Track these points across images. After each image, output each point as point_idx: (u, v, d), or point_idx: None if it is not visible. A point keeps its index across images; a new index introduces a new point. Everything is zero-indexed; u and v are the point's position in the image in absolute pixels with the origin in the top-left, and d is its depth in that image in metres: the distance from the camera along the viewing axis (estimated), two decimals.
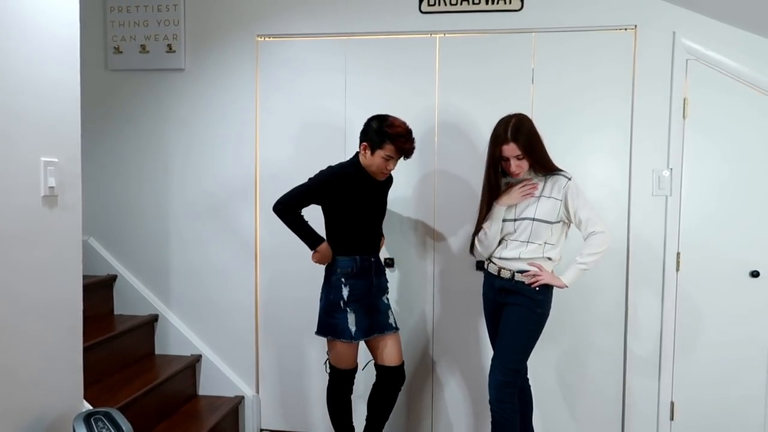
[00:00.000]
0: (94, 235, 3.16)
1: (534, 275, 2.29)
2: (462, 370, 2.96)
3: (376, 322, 2.53)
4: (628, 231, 2.80)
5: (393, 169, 2.48)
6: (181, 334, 3.11)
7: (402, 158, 2.46)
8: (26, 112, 1.67)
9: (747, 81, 2.70)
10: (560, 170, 2.35)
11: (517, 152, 2.26)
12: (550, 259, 2.35)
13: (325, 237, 2.54)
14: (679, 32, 2.71)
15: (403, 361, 2.62)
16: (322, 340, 2.66)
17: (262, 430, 3.14)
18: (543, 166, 2.33)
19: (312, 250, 2.51)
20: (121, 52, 3.09)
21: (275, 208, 2.48)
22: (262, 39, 3.01)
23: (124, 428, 1.76)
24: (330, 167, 2.52)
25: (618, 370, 2.86)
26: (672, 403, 2.83)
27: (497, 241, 2.39)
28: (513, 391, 2.34)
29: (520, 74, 2.83)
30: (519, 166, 2.28)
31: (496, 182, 2.35)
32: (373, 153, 2.42)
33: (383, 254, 2.83)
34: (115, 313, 3.17)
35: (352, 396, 2.65)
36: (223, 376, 3.09)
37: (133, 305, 3.14)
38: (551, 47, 2.81)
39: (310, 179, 2.50)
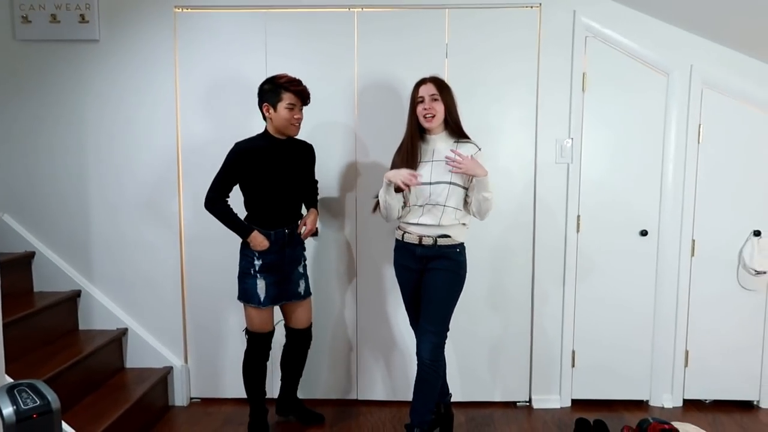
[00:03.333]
0: (9, 211, 3.07)
1: (455, 161, 2.37)
2: (384, 331, 3.14)
3: (286, 290, 2.67)
4: (535, 197, 3.03)
5: (300, 117, 2.58)
6: (105, 309, 3.10)
7: (302, 104, 2.58)
8: None
9: (639, 57, 2.95)
10: (470, 139, 2.52)
11: (433, 91, 2.45)
12: (464, 224, 2.53)
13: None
14: (579, 11, 2.92)
15: (311, 324, 2.82)
16: (242, 309, 2.75)
17: (192, 398, 3.20)
18: (456, 124, 2.50)
19: (244, 239, 2.59)
20: (30, 22, 2.98)
21: (206, 206, 2.57)
22: (180, 10, 2.98)
23: (49, 398, 1.77)
24: (237, 143, 2.59)
25: (526, 323, 3.11)
26: (573, 352, 3.12)
27: (395, 209, 2.50)
28: (443, 349, 2.52)
29: (435, 48, 2.97)
30: (432, 108, 2.43)
31: (415, 127, 2.49)
32: (276, 109, 2.54)
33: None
34: (35, 290, 3.11)
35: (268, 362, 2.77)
36: (150, 348, 3.12)
37: (54, 282, 3.09)
38: (463, 23, 2.95)
39: (222, 164, 2.56)
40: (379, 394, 3.18)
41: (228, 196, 2.60)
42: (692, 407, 3.15)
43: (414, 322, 2.66)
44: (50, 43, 3.00)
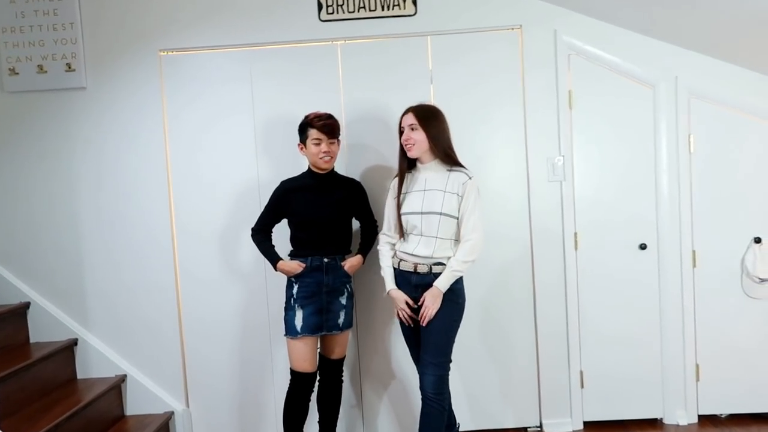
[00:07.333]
0: (2, 262, 3.06)
1: (425, 316, 2.38)
2: (385, 365, 3.08)
3: (326, 321, 2.64)
4: (530, 216, 3.00)
5: (329, 150, 2.59)
6: (103, 356, 3.06)
7: (328, 137, 2.58)
8: None
9: (623, 72, 2.95)
10: (464, 167, 2.47)
11: (412, 121, 2.41)
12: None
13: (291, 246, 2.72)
14: (560, 30, 2.93)
15: (344, 356, 2.77)
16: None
17: None
18: (445, 153, 2.43)
19: (274, 268, 2.67)
20: (18, 74, 3.01)
21: (251, 236, 2.75)
22: (165, 53, 3.01)
23: None
24: (282, 181, 2.71)
25: (531, 344, 3.05)
26: (581, 372, 3.05)
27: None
28: (447, 381, 2.44)
29: (419, 75, 2.98)
30: (410, 137, 2.41)
31: (402, 156, 2.50)
32: (306, 146, 2.62)
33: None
34: (31, 341, 3.08)
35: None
36: (150, 393, 3.06)
37: (50, 331, 3.06)
38: (446, 48, 2.97)
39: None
40: (384, 429, 3.10)
41: (269, 229, 2.74)
42: (708, 423, 3.06)
43: (415, 356, 2.59)
44: (38, 93, 3.03)
